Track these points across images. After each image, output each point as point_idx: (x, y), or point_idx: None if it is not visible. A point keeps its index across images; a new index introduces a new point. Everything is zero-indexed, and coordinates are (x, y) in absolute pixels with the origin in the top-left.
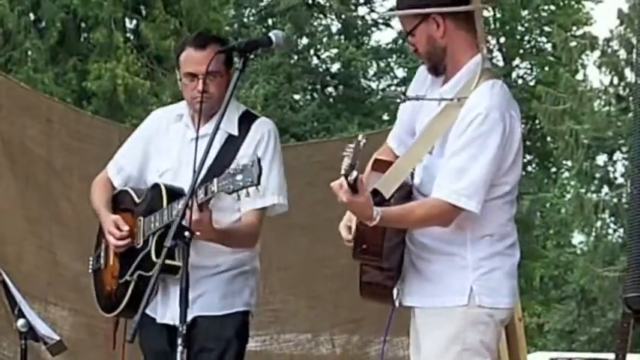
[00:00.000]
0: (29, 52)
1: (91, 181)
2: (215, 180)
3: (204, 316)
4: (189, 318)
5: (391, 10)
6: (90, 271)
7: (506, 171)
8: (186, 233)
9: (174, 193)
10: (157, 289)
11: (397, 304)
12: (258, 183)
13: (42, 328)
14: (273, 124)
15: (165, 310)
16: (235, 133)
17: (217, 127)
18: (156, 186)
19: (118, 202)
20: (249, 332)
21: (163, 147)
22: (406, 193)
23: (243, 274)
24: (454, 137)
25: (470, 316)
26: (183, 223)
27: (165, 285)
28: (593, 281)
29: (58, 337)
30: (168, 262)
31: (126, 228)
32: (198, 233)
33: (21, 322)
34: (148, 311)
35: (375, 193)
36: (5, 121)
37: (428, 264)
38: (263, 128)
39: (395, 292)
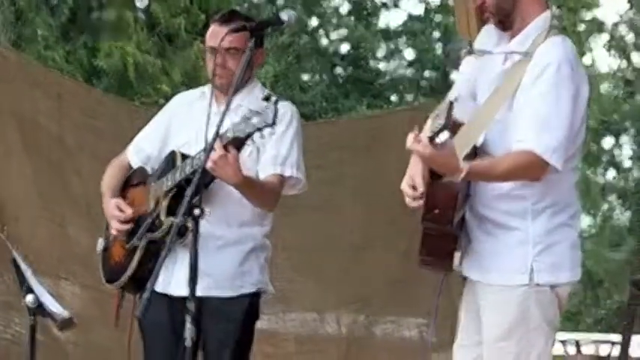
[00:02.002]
0: (40, 30)
1: (101, 157)
2: (230, 126)
3: (212, 297)
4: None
5: None
6: (98, 251)
7: (576, 132)
8: (196, 211)
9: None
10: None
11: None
12: (274, 123)
13: (51, 304)
14: (295, 108)
15: (169, 280)
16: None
17: (230, 99)
18: (171, 152)
19: (133, 179)
20: (258, 313)
21: (185, 126)
22: (470, 154)
23: (253, 252)
24: (527, 88)
25: (532, 295)
26: (206, 165)
27: (171, 255)
28: (599, 264)
29: (67, 313)
30: (176, 221)
31: (129, 210)
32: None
33: (29, 298)
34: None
35: None
36: (17, 97)
37: (489, 238)
38: (286, 109)
39: (456, 258)
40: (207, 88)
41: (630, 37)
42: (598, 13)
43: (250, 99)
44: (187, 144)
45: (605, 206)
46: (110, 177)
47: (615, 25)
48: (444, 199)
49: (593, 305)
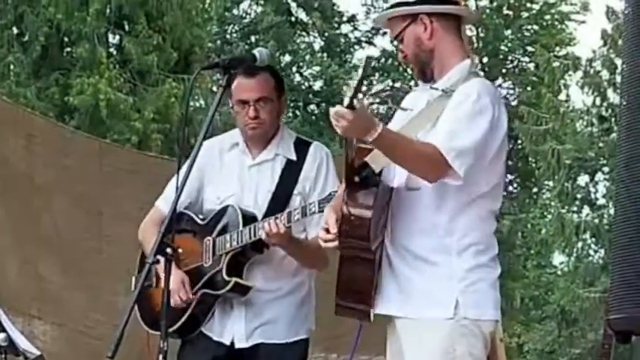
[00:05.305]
0: (12, 66)
1: (71, 195)
2: (316, 201)
3: (270, 343)
4: (252, 342)
5: (382, 13)
6: (133, 289)
7: (488, 163)
8: (168, 250)
9: (249, 216)
10: (214, 310)
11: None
12: None
13: (22, 343)
14: (327, 148)
15: (223, 329)
16: (294, 157)
17: (201, 142)
18: (230, 207)
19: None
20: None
21: (220, 175)
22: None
23: (307, 298)
24: (446, 114)
25: (458, 328)
26: (263, 236)
27: (225, 304)
28: (573, 302)
29: (38, 352)
30: (240, 281)
31: (191, 296)
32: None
33: (1, 336)
34: (203, 329)
35: (365, 166)
36: None
37: (411, 272)
38: (321, 152)
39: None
40: (239, 138)
41: (605, 74)
42: (573, 49)
43: (283, 146)
44: (232, 198)
45: (580, 244)
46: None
47: (589, 61)
48: (360, 210)
49: (567, 344)
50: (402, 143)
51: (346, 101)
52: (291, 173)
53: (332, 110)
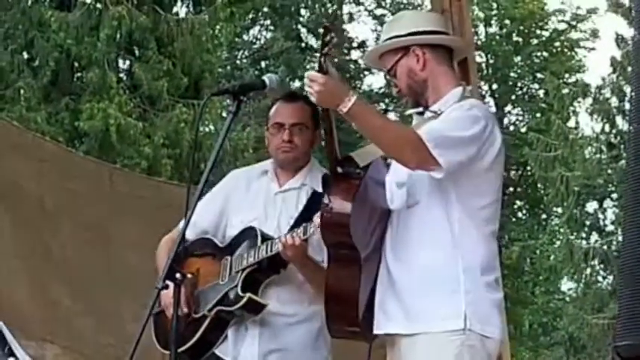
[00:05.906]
0: (22, 91)
1: (81, 220)
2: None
3: None
4: None
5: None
6: (149, 311)
7: (484, 173)
8: (178, 275)
9: (268, 237)
10: (227, 332)
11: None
12: None
13: None
14: None
15: (239, 350)
16: (320, 189)
17: (207, 174)
18: (251, 229)
19: (195, 248)
20: None
21: (246, 202)
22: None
23: (323, 329)
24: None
25: (466, 340)
26: (280, 248)
27: (239, 326)
28: (582, 328)
29: None
30: (254, 297)
31: (185, 310)
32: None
33: None
34: (217, 352)
35: (349, 160)
36: None
37: (416, 287)
38: None
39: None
40: (269, 167)
41: (614, 101)
42: (582, 76)
43: (311, 177)
44: (255, 222)
45: (588, 270)
46: (167, 253)
47: (598, 88)
48: (340, 202)
49: None
50: (381, 119)
51: (317, 65)
52: (316, 204)
53: (305, 77)
